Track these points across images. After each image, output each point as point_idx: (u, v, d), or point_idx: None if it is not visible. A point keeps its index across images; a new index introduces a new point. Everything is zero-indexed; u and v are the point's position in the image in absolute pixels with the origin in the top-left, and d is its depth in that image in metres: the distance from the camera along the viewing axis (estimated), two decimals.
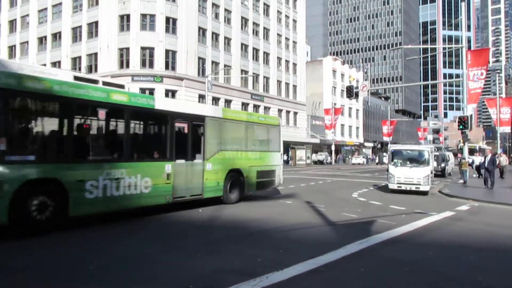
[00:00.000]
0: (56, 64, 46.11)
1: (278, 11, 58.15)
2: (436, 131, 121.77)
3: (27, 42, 49.61)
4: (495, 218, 11.73)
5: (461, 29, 26.61)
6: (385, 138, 67.41)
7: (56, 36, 46.91)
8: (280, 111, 57.42)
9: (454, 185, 21.91)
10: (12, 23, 51.51)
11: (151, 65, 41.22)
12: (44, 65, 47.34)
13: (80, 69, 41.80)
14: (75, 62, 44.72)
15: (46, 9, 47.93)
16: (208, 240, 8.15)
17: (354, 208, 12.83)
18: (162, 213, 11.79)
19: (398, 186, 17.48)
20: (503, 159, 28.33)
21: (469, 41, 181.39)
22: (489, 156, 20.65)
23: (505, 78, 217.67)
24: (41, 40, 48.43)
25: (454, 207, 13.28)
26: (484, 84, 24.55)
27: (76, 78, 9.64)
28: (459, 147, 30.06)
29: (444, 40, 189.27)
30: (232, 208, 12.68)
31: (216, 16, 47.66)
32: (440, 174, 29.60)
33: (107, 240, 8.14)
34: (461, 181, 23.09)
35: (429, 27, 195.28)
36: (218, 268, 6.17)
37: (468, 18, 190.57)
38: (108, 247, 7.56)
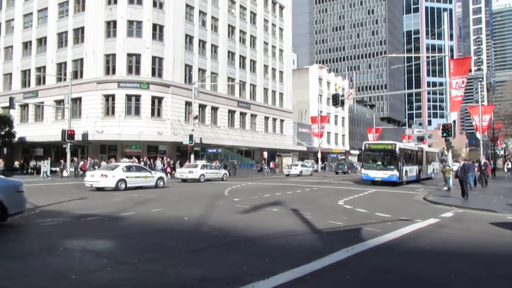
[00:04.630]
0: (41, 69, 45.58)
1: (265, 20, 58.47)
2: (421, 139, 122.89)
3: (11, 46, 48.92)
4: (479, 224, 11.89)
5: (443, 38, 27.22)
6: None
7: (42, 41, 46.36)
8: (266, 118, 57.54)
9: (438, 192, 22.17)
10: None
11: (137, 71, 41.00)
12: (29, 70, 46.86)
13: (65, 74, 41.35)
14: (61, 67, 44.21)
15: (31, 13, 47.39)
16: (193, 248, 8.11)
17: (340, 215, 12.89)
18: (146, 219, 11.71)
19: None
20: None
21: (451, 50, 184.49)
22: (461, 163, 19.78)
23: (487, 86, 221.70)
24: (26, 45, 47.79)
25: (438, 214, 13.43)
26: (467, 92, 25.08)
27: None
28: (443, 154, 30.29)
29: (427, 49, 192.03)
30: (218, 216, 12.66)
31: (203, 23, 47.70)
32: None
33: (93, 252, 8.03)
34: (445, 188, 23.38)
35: (413, 36, 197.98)
36: (204, 277, 6.14)
37: (451, 28, 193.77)
38: (94, 258, 7.47)
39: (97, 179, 22.33)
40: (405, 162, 29.10)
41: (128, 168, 23.55)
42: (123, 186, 22.42)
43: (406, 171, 28.84)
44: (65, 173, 36.59)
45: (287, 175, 45.00)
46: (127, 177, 22.80)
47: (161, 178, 25.25)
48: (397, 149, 27.72)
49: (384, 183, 27.45)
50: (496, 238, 10.07)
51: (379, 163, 28.47)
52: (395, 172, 27.10)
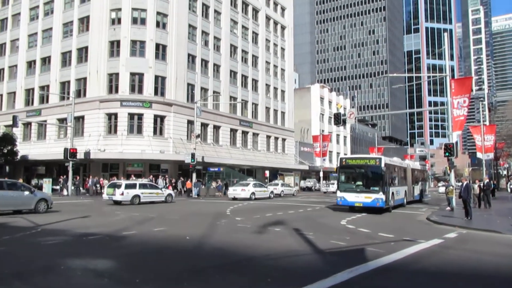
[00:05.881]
0: (44, 88, 45.96)
1: (266, 39, 59.11)
2: (423, 158, 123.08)
3: (15, 65, 49.45)
4: (483, 245, 11.77)
5: (444, 58, 27.36)
6: None
7: (46, 61, 46.86)
8: (268, 137, 57.62)
9: (441, 212, 22.01)
10: (1, 46, 51.37)
11: (140, 90, 41.29)
12: (32, 89, 47.28)
13: (68, 93, 41.65)
14: (64, 86, 44.58)
15: (36, 33, 48.05)
16: (194, 268, 8.03)
17: (342, 235, 12.79)
18: (147, 240, 11.63)
19: None
20: (476, 187, 25.31)
21: (452, 70, 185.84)
22: (464, 184, 19.38)
23: (488, 106, 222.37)
24: (30, 64, 48.31)
25: (442, 235, 13.32)
26: (468, 112, 25.06)
27: None
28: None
29: (428, 68, 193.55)
30: (220, 235, 12.57)
31: (206, 43, 48.24)
32: None
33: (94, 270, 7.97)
34: (448, 208, 23.23)
35: (413, 56, 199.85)
36: None
37: (451, 48, 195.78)
38: (94, 277, 7.40)
39: (239, 192, 33.39)
40: (391, 181, 23.50)
41: (255, 185, 35.33)
42: (253, 197, 33.62)
43: (392, 193, 23.10)
44: (65, 192, 36.39)
45: (325, 192, 50.35)
46: (255, 191, 34.26)
47: (272, 192, 37.27)
48: (382, 165, 21.62)
49: (366, 210, 21.55)
50: (501, 259, 9.96)
51: (360, 183, 22.38)
52: (380, 196, 21.05)
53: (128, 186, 26.53)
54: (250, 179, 41.98)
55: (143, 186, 27.71)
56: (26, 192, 19.29)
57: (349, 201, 21.87)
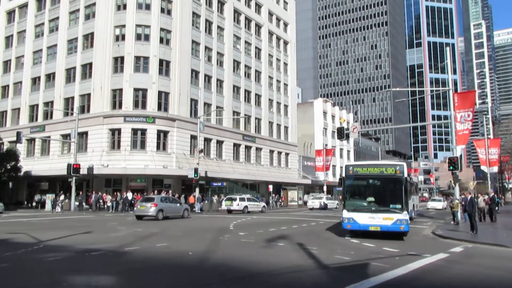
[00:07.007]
0: (48, 104, 46.22)
1: (269, 55, 59.49)
2: (427, 172, 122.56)
3: (20, 82, 49.82)
4: (489, 260, 11.61)
5: (447, 72, 27.36)
6: None
7: (50, 77, 47.22)
8: (271, 152, 57.59)
9: (446, 226, 21.81)
10: (6, 63, 51.93)
11: (143, 106, 41.47)
12: (37, 105, 47.59)
13: (72, 109, 41.90)
14: (68, 102, 44.83)
15: (41, 50, 48.53)
16: (197, 284, 7.93)
17: (347, 250, 12.65)
18: (150, 255, 11.54)
19: None
20: (480, 200, 24.77)
21: (455, 83, 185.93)
22: (468, 197, 19.27)
23: (492, 120, 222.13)
24: (35, 81, 48.72)
25: (447, 249, 13.16)
26: (472, 126, 24.97)
27: None
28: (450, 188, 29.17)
29: (431, 82, 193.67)
30: (223, 250, 12.46)
31: (209, 59, 48.58)
32: None
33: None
34: (453, 222, 23.01)
35: (416, 70, 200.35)
36: None
37: (454, 62, 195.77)
38: None
39: (316, 204, 44.09)
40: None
41: (327, 198, 46.62)
42: (327, 207, 43.54)
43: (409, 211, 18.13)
44: (58, 209, 35.36)
45: None
46: (327, 202, 45.04)
47: (337, 203, 45.73)
48: (405, 174, 15.81)
49: (385, 235, 15.69)
50: (508, 274, 9.81)
51: (372, 199, 16.47)
52: (404, 216, 15.33)
53: (241, 199, 35.42)
54: (321, 194, 52.77)
55: (248, 199, 36.46)
56: (178, 204, 28.45)
57: (361, 224, 15.83)
